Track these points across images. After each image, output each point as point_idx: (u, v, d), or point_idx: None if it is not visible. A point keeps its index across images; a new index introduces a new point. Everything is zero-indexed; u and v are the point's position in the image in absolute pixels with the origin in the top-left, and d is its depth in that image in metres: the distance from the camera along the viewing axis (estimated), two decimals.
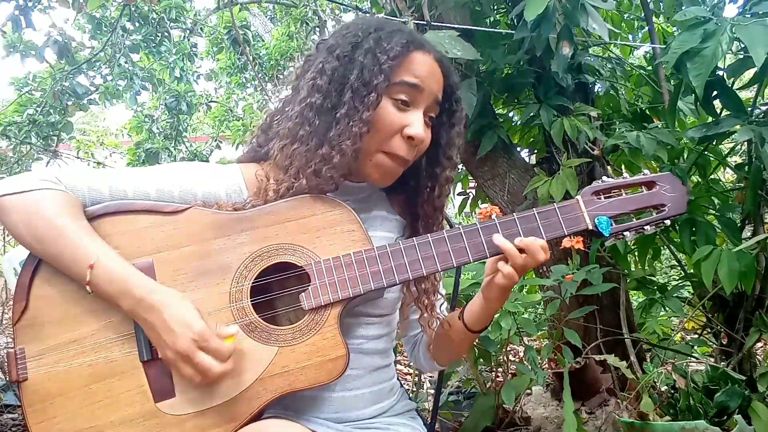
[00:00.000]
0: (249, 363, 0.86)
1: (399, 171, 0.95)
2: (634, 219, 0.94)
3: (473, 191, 2.55)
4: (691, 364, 2.15)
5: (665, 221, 0.94)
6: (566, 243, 1.69)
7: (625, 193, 0.95)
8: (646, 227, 0.94)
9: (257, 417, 0.86)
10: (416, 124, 0.91)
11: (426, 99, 0.93)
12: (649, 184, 0.95)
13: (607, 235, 0.92)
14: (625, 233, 0.93)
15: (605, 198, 0.94)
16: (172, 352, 0.81)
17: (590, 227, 0.92)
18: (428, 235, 0.91)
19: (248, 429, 0.83)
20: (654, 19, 2.23)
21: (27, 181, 0.86)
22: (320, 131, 0.90)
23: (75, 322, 0.86)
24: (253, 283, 0.88)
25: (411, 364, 1.20)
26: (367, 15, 2.38)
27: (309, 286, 0.88)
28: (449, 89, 0.98)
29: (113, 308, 0.86)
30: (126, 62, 4.58)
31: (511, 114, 2.52)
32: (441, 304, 1.11)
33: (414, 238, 0.91)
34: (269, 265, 0.89)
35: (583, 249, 1.73)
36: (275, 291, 0.91)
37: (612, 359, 1.61)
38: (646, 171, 0.98)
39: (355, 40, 0.92)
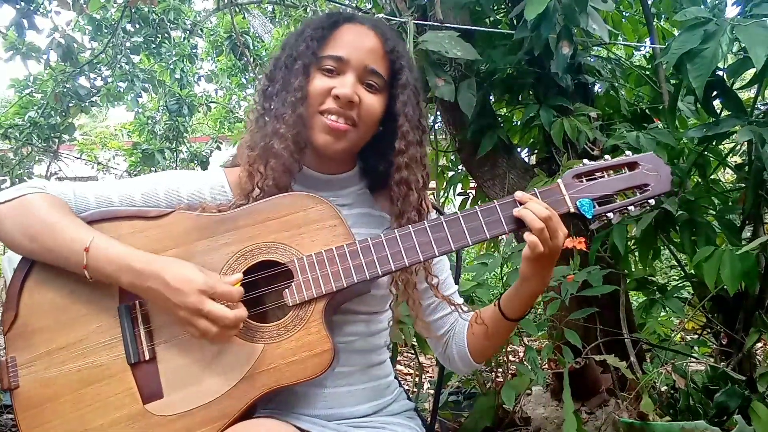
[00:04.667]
0: (235, 361, 0.86)
1: (344, 131, 0.95)
2: (618, 200, 0.94)
3: (473, 191, 2.55)
4: (691, 364, 2.16)
5: (649, 201, 0.93)
6: (568, 243, 1.69)
7: (608, 175, 0.94)
8: (630, 208, 0.93)
9: (246, 414, 0.86)
10: (342, 85, 0.93)
11: (355, 67, 0.95)
12: (632, 165, 0.95)
13: (590, 218, 0.91)
14: (608, 215, 0.93)
15: (587, 181, 0.93)
16: (183, 310, 0.82)
17: (572, 210, 0.92)
18: (409, 226, 0.91)
19: (233, 429, 0.84)
20: (654, 19, 2.24)
21: (16, 189, 0.90)
22: (268, 111, 0.97)
23: (64, 328, 0.87)
24: (240, 285, 0.88)
25: (445, 366, 1.16)
26: (367, 15, 2.38)
27: (292, 282, 0.89)
28: (391, 56, 0.98)
29: (101, 312, 0.87)
30: (127, 64, 4.59)
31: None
32: (453, 293, 1.10)
33: (395, 230, 0.91)
34: (253, 264, 0.89)
35: (585, 250, 1.73)
36: (261, 289, 0.91)
37: (612, 359, 1.61)
38: (628, 153, 0.96)
39: (296, 32, 0.99)
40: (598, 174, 0.94)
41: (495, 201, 0.92)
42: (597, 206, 0.92)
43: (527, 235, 0.89)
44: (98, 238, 0.85)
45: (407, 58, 1.00)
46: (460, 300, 1.11)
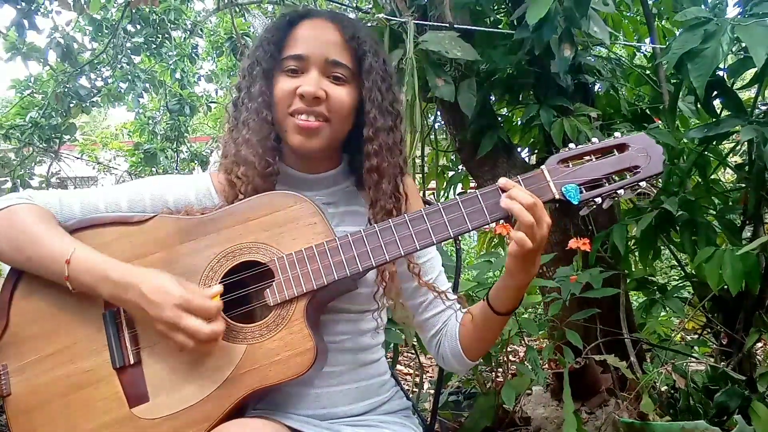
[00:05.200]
0: (219, 363, 0.87)
1: (315, 129, 0.93)
2: (607, 185, 0.90)
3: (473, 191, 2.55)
4: (691, 364, 2.16)
5: (640, 183, 0.89)
6: (572, 244, 1.69)
7: (596, 159, 0.90)
8: (619, 191, 0.89)
9: (233, 414, 0.87)
10: (305, 83, 0.92)
11: (316, 62, 0.94)
12: (621, 147, 0.90)
13: (576, 203, 0.88)
14: (596, 200, 0.89)
15: (574, 165, 0.90)
16: (160, 323, 0.82)
17: (557, 196, 0.88)
18: (390, 220, 0.90)
19: (217, 430, 0.84)
20: (655, 19, 2.23)
21: (3, 200, 0.90)
22: (238, 121, 0.97)
23: (53, 335, 0.89)
24: (219, 283, 0.89)
25: (440, 366, 1.15)
26: (367, 15, 2.38)
27: (273, 281, 0.89)
28: (352, 43, 0.96)
29: (88, 318, 0.89)
30: (128, 64, 4.59)
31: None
32: (447, 288, 1.09)
33: (375, 225, 0.90)
34: (235, 265, 0.90)
35: (590, 250, 1.72)
36: (244, 289, 0.91)
37: (612, 359, 1.61)
38: (617, 134, 0.92)
39: (258, 39, 0.99)
40: (586, 158, 0.90)
41: (477, 191, 0.90)
42: (584, 191, 0.89)
43: (514, 232, 0.87)
44: (79, 250, 0.86)
45: (371, 43, 0.98)
46: (452, 297, 1.10)
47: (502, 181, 0.88)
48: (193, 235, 0.91)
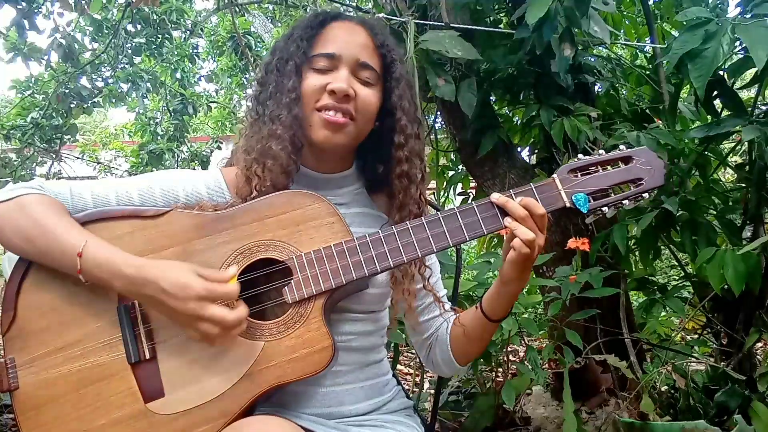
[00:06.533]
0: (236, 359, 0.87)
1: (342, 125, 0.95)
2: (613, 195, 0.95)
3: (473, 191, 2.55)
4: (691, 364, 2.15)
5: (643, 195, 0.95)
6: (572, 244, 1.69)
7: (602, 170, 0.95)
8: (624, 202, 0.95)
9: (247, 412, 0.87)
10: (336, 80, 0.94)
11: (348, 62, 0.96)
12: (626, 159, 0.96)
13: (586, 212, 0.93)
14: (603, 209, 0.94)
15: (582, 175, 0.94)
16: (183, 317, 0.82)
17: (568, 205, 0.93)
18: (407, 222, 0.92)
19: (230, 428, 0.84)
20: (657, 20, 2.23)
21: (11, 189, 0.89)
22: (263, 115, 0.97)
23: (62, 329, 0.88)
24: (236, 280, 0.88)
25: (429, 370, 1.17)
26: (367, 15, 2.38)
27: (291, 279, 0.89)
28: (382, 50, 0.99)
29: (100, 312, 0.88)
30: (129, 64, 4.60)
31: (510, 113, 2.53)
32: (443, 295, 1.11)
33: (393, 226, 0.92)
34: (252, 262, 0.89)
35: (588, 250, 1.72)
36: (260, 287, 0.91)
37: (612, 359, 1.61)
38: (622, 147, 0.98)
39: (285, 35, 1.00)
40: (593, 168, 0.95)
41: (490, 196, 0.93)
42: (592, 201, 0.94)
43: (515, 241, 0.89)
44: (91, 243, 0.85)
45: (397, 52, 1.01)
46: (448, 305, 1.12)
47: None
48: (209, 231, 0.90)
